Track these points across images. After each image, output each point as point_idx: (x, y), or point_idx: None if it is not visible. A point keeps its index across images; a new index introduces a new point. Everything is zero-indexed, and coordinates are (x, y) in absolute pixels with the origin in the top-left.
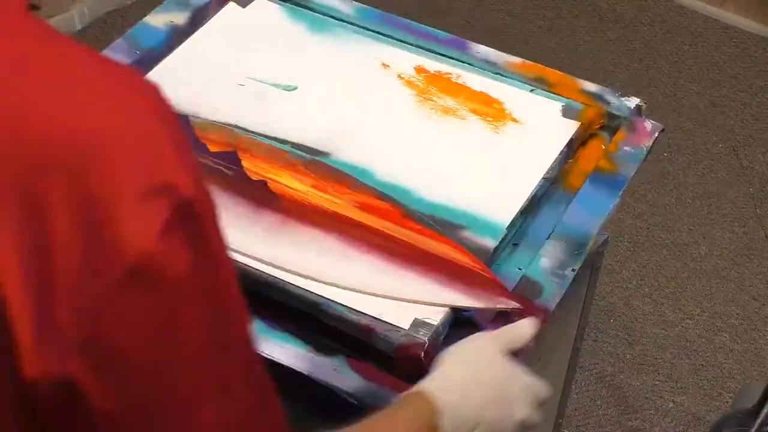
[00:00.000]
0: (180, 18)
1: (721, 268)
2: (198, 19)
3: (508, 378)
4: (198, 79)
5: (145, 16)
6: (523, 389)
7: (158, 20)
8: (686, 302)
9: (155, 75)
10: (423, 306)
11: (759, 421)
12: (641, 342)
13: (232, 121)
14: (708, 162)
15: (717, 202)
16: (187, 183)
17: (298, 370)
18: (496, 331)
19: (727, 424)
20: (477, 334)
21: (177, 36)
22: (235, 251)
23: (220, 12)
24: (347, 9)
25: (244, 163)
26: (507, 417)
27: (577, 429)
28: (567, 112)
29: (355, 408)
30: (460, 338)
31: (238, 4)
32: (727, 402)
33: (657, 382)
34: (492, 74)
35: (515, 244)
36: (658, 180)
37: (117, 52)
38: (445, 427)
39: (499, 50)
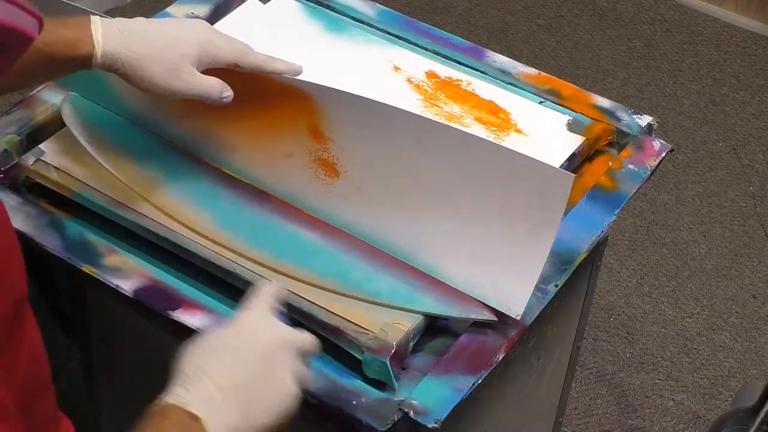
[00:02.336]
0: (201, 10)
1: (721, 266)
2: (220, 12)
3: (265, 351)
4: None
5: (145, 16)
6: (283, 355)
7: (179, 11)
8: (686, 301)
9: None
10: (397, 311)
11: (759, 419)
12: (641, 341)
13: None
14: (708, 161)
15: (717, 200)
16: None
17: None
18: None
19: (727, 422)
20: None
21: None
22: (210, 239)
23: (240, 6)
24: (368, 10)
25: None
26: (281, 394)
27: (577, 427)
28: (573, 127)
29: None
30: (433, 346)
31: None
32: (727, 401)
33: (657, 381)
34: (504, 84)
35: None
36: (657, 178)
37: None
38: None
39: (499, 50)
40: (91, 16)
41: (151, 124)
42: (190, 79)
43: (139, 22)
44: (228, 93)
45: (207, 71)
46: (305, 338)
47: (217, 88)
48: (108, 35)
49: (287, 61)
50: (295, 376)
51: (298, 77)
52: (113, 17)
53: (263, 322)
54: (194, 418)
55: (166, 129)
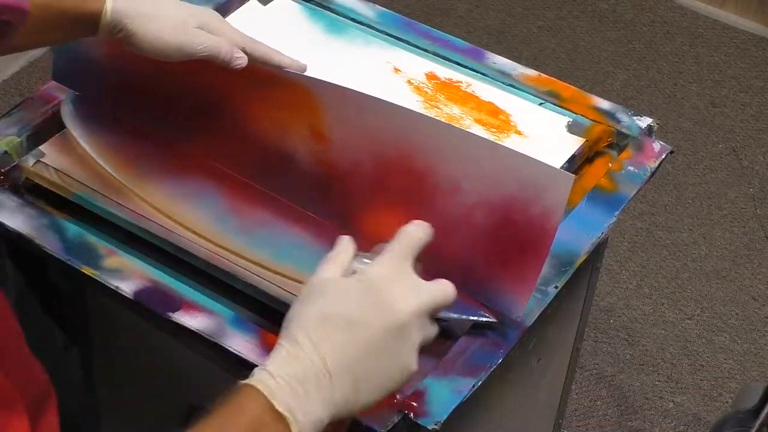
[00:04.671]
0: None
1: (721, 268)
2: (219, 14)
3: (387, 328)
4: None
5: None
6: (408, 333)
7: None
8: (686, 302)
9: None
10: None
11: (759, 421)
12: (641, 342)
13: None
14: (708, 162)
15: (717, 202)
16: None
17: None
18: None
19: (727, 424)
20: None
21: None
22: (211, 241)
23: (240, 8)
24: (368, 12)
25: None
26: (394, 373)
27: (577, 429)
28: (573, 128)
29: None
30: (433, 348)
31: (260, 1)
32: (727, 402)
33: (657, 383)
34: (504, 85)
35: None
36: (658, 180)
37: None
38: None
39: (499, 52)
40: None
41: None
42: (198, 34)
43: None
44: (240, 55)
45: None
46: (445, 294)
47: (226, 45)
48: None
49: (292, 57)
50: (422, 343)
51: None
52: None
53: (403, 285)
54: (278, 418)
55: (166, 126)
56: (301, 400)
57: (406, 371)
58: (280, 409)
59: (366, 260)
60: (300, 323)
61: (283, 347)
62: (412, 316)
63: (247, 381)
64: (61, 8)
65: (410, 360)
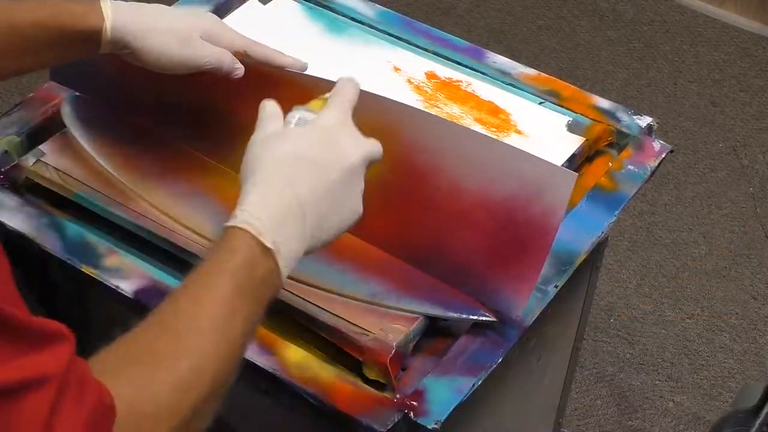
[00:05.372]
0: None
1: (721, 267)
2: (220, 13)
3: (344, 172)
4: None
5: None
6: (359, 175)
7: None
8: (686, 302)
9: None
10: (398, 312)
11: (759, 420)
12: (641, 341)
13: None
14: (708, 161)
15: (717, 201)
16: None
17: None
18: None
19: (727, 423)
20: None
21: None
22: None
23: (240, 7)
24: (368, 11)
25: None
26: (347, 217)
27: (577, 428)
28: (573, 127)
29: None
30: (433, 347)
31: (260, 0)
32: (727, 402)
33: (657, 382)
34: (504, 84)
35: None
36: (658, 179)
37: None
38: (282, 269)
39: (499, 51)
40: None
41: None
42: (201, 47)
43: (147, 4)
44: (239, 66)
45: None
46: (378, 147)
47: (228, 55)
48: (118, 7)
49: (294, 57)
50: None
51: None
52: None
53: (348, 132)
54: (265, 251)
55: (167, 126)
56: (282, 236)
57: (356, 213)
58: (268, 244)
59: (307, 112)
60: (269, 166)
61: (256, 189)
62: (361, 162)
63: (231, 224)
64: (59, 26)
65: (359, 202)
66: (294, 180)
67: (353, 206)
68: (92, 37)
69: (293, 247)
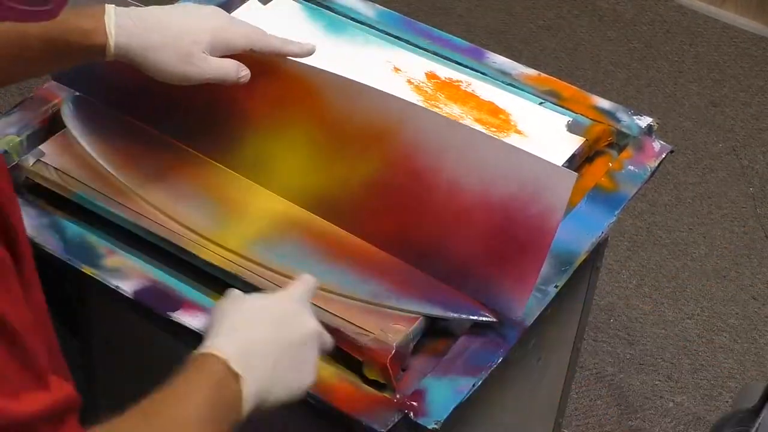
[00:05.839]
0: None
1: (721, 267)
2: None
3: (302, 336)
4: None
5: None
6: (314, 345)
7: None
8: (686, 302)
9: None
10: (398, 313)
11: (759, 420)
12: (641, 342)
13: None
14: (708, 162)
15: (717, 201)
16: None
17: None
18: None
19: (727, 424)
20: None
21: None
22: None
23: (240, 7)
24: (368, 11)
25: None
26: (301, 379)
27: (577, 429)
28: (573, 128)
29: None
30: (433, 347)
31: (260, 0)
32: (727, 402)
33: (657, 382)
34: (504, 85)
35: None
36: (658, 179)
37: None
38: (246, 397)
39: (499, 51)
40: (106, 5)
41: (152, 119)
42: (204, 64)
43: (153, 11)
44: (244, 72)
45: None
46: (329, 338)
47: (233, 68)
48: (121, 25)
49: (299, 43)
50: (316, 367)
51: (307, 64)
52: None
53: (304, 311)
54: (234, 376)
55: (168, 124)
56: (247, 369)
57: (307, 380)
58: (237, 369)
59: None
60: (233, 313)
61: (221, 336)
62: (310, 333)
63: (200, 352)
64: (67, 42)
65: (311, 371)
66: (257, 332)
67: (307, 373)
68: (97, 51)
69: (253, 387)
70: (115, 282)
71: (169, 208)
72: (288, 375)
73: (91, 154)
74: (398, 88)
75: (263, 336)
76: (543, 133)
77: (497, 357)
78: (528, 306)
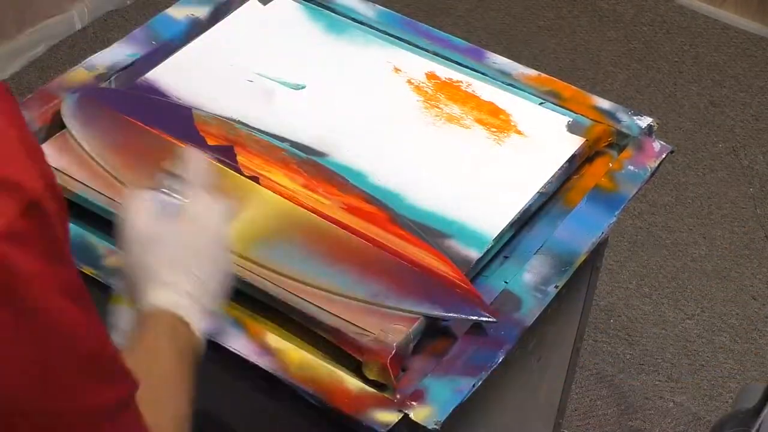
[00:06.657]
0: (201, 12)
1: (721, 268)
2: (219, 14)
3: (209, 238)
4: (209, 73)
5: (145, 17)
6: (226, 232)
7: (179, 12)
8: (686, 302)
9: (167, 66)
10: (398, 313)
11: (759, 421)
12: (641, 342)
13: (235, 116)
14: (708, 162)
15: (717, 202)
16: (34, 184)
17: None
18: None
19: (727, 424)
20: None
21: (196, 29)
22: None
23: (240, 8)
24: (368, 12)
25: (240, 158)
26: (225, 270)
27: (577, 429)
28: (573, 128)
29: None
30: (433, 347)
31: (260, 1)
32: (727, 402)
33: (657, 382)
34: (504, 85)
35: (506, 257)
36: (658, 180)
37: (133, 42)
38: (198, 333)
39: (499, 52)
40: None
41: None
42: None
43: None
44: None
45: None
46: (228, 206)
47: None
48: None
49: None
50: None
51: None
52: (113, 18)
53: (209, 209)
54: (184, 322)
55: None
56: (190, 309)
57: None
58: (184, 316)
59: (175, 194)
60: (153, 272)
61: (158, 291)
62: (221, 228)
63: (150, 308)
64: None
65: (229, 261)
66: (193, 266)
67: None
68: None
69: (199, 311)
70: (115, 282)
71: None
72: (221, 274)
73: (91, 154)
74: (397, 89)
75: (196, 261)
76: (543, 133)
77: (497, 357)
78: (528, 306)
